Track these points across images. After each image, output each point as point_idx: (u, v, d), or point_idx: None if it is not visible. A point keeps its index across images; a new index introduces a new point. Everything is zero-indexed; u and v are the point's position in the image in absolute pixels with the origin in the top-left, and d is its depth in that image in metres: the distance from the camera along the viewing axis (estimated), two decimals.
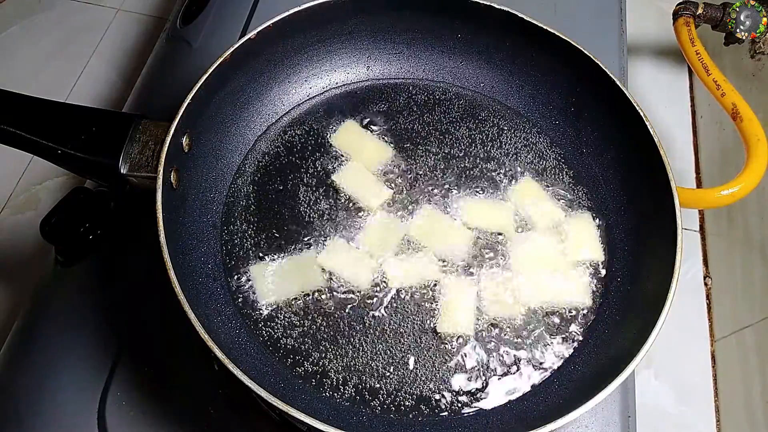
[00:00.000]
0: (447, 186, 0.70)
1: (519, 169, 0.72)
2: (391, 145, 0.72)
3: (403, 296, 0.63)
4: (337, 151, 0.71)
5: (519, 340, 0.62)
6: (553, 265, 0.65)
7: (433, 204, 0.69)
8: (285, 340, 0.60)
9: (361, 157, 0.71)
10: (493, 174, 0.71)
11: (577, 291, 0.64)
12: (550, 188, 0.70)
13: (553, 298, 0.63)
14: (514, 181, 0.71)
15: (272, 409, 0.62)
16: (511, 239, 0.67)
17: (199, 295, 0.58)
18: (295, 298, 0.62)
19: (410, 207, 0.68)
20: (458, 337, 0.61)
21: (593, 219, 0.68)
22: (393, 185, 0.70)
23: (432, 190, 0.70)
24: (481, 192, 0.70)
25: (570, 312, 0.63)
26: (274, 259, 0.64)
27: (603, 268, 0.66)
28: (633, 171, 0.67)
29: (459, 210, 0.68)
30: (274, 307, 0.62)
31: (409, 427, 0.57)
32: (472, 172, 0.71)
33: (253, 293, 0.62)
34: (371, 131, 0.73)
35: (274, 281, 0.63)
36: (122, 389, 0.63)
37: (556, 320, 0.63)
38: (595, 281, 0.65)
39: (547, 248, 0.66)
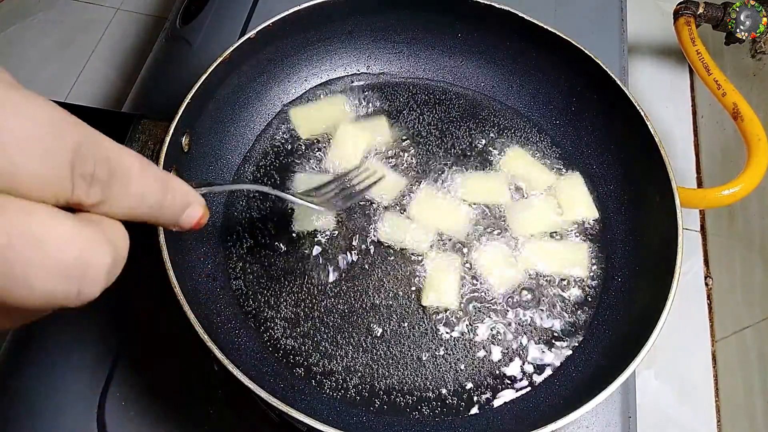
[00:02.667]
0: (442, 168, 0.71)
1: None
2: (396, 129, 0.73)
3: (406, 298, 0.63)
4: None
5: (520, 327, 0.62)
6: (552, 227, 0.67)
7: (430, 183, 0.69)
8: (285, 341, 0.60)
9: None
10: (493, 153, 0.72)
11: (578, 259, 0.66)
12: (540, 154, 0.72)
13: (557, 266, 0.65)
14: (503, 153, 0.72)
15: (272, 410, 0.62)
16: (509, 208, 0.68)
17: (199, 295, 0.58)
18: (297, 298, 0.62)
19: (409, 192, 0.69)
20: (461, 333, 0.61)
21: (582, 177, 0.70)
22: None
23: (429, 172, 0.71)
24: (474, 168, 0.71)
25: (566, 305, 0.63)
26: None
27: (602, 268, 0.66)
28: (634, 171, 0.67)
29: (455, 187, 0.69)
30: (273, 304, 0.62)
31: (409, 428, 0.57)
32: (473, 155, 0.72)
33: (253, 291, 0.62)
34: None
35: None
36: (122, 389, 0.63)
37: (553, 311, 0.63)
38: (593, 277, 0.65)
39: (545, 212, 0.68)
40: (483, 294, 0.64)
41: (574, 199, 0.69)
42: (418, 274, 0.65)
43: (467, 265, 0.65)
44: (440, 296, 0.62)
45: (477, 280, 0.64)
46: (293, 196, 0.55)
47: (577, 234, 0.68)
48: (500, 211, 0.68)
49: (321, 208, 0.56)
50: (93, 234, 0.24)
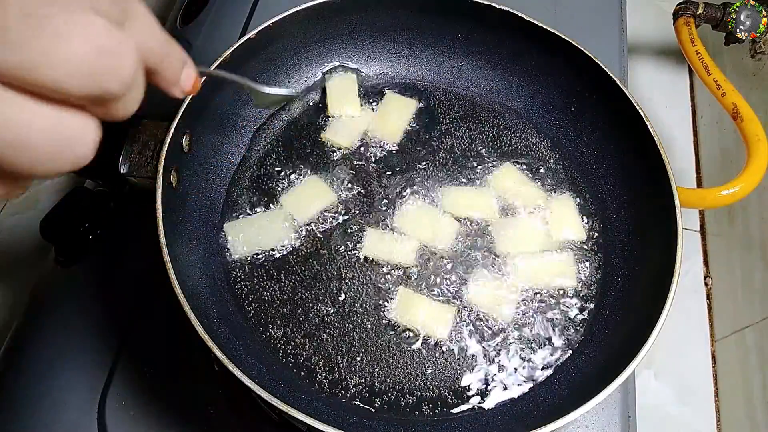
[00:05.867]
0: (434, 180, 0.70)
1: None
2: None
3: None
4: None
5: (518, 332, 0.62)
6: (539, 246, 0.66)
7: (417, 195, 0.69)
8: (285, 341, 0.60)
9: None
10: (483, 169, 0.72)
11: (565, 272, 0.65)
12: (531, 172, 0.71)
13: (544, 281, 0.64)
14: (494, 168, 0.71)
15: (272, 409, 0.62)
16: (496, 224, 0.67)
17: (199, 295, 0.58)
18: (298, 299, 0.62)
19: (395, 199, 0.69)
20: (459, 335, 0.61)
21: (573, 199, 0.70)
22: (384, 181, 0.70)
23: (417, 183, 0.70)
24: (464, 182, 0.70)
25: (566, 305, 0.63)
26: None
27: (601, 269, 0.66)
28: (633, 171, 0.67)
29: (443, 200, 0.68)
30: (269, 300, 0.62)
31: (410, 427, 0.57)
32: (463, 168, 0.71)
33: (253, 291, 0.62)
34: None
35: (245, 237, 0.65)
36: (122, 389, 0.63)
37: (553, 311, 0.63)
38: (593, 278, 0.65)
39: (532, 230, 0.67)
40: (489, 328, 0.62)
41: (563, 220, 0.68)
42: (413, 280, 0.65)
43: (465, 307, 0.63)
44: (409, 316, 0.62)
45: (480, 321, 0.63)
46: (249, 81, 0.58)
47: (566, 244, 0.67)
48: (486, 227, 0.67)
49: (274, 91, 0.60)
50: (122, 34, 0.25)
